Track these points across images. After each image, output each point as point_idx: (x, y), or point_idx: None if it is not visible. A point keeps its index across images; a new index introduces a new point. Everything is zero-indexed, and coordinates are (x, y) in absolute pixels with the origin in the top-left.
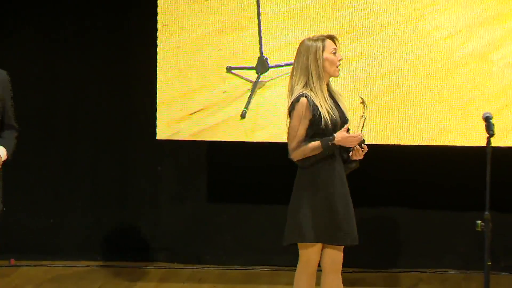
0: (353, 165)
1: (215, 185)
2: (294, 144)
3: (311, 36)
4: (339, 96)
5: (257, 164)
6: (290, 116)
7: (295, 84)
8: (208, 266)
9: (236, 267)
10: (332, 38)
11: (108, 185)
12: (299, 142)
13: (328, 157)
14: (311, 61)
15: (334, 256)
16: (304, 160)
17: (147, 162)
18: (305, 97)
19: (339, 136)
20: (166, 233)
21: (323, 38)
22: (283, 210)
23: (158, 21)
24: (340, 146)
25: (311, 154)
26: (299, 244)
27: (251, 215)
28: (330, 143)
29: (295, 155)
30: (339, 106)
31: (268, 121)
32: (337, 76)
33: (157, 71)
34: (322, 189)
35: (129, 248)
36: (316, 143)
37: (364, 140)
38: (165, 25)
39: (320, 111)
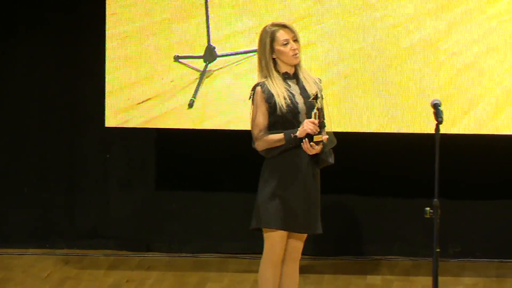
0: (315, 158)
1: (164, 173)
2: (255, 133)
3: (271, 23)
4: (311, 83)
5: (206, 152)
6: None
7: (258, 72)
8: (156, 253)
9: (184, 254)
10: (285, 27)
11: (57, 173)
12: (260, 131)
13: (293, 147)
14: (262, 51)
15: (294, 245)
16: (268, 150)
17: (96, 150)
18: (260, 86)
19: (300, 127)
20: (115, 221)
21: (276, 29)
22: (232, 198)
23: (106, 9)
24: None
25: (274, 146)
26: (264, 232)
27: (199, 203)
28: (292, 135)
29: (259, 145)
30: (307, 94)
31: (216, 111)
32: (296, 63)
33: (106, 59)
34: (284, 177)
35: (78, 236)
36: (279, 135)
37: (320, 136)
38: (113, 14)
39: (274, 99)
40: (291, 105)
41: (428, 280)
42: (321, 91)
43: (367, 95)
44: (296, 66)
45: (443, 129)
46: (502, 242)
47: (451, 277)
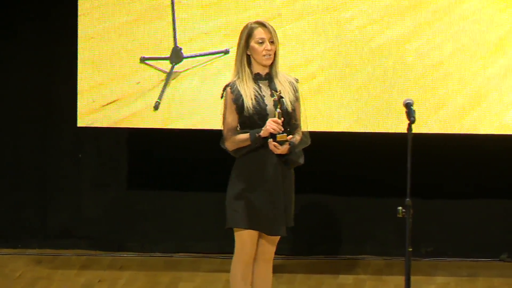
0: (284, 158)
1: (136, 173)
2: (224, 132)
3: (253, 20)
4: (284, 85)
5: (178, 152)
6: None
7: (233, 71)
8: (129, 253)
9: (157, 254)
10: (264, 26)
11: (29, 172)
12: (229, 130)
13: (260, 147)
14: (238, 46)
15: (266, 246)
16: (236, 150)
17: (68, 150)
18: (230, 86)
19: (264, 127)
20: (87, 221)
21: (255, 26)
22: (204, 197)
23: (78, 10)
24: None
25: (241, 145)
26: (234, 231)
27: (171, 203)
28: (257, 135)
29: (228, 145)
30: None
31: (182, 112)
32: (266, 65)
33: (78, 60)
34: (252, 178)
35: (50, 236)
36: (245, 135)
37: (284, 135)
38: (82, 15)
39: (242, 99)
40: (258, 107)
41: (400, 280)
42: (297, 92)
43: (333, 96)
44: (271, 68)
45: (414, 129)
46: (473, 242)
47: (424, 276)
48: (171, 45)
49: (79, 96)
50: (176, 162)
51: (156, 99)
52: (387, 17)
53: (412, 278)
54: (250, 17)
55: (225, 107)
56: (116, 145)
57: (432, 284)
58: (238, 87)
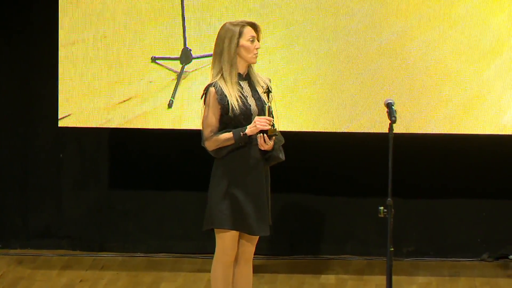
0: (267, 155)
1: (117, 173)
2: (206, 133)
3: (233, 21)
4: (263, 84)
5: (159, 151)
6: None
7: (212, 71)
8: (110, 253)
9: (138, 254)
10: (252, 25)
11: (9, 172)
12: (211, 131)
13: (242, 146)
14: (226, 46)
15: (246, 246)
16: (217, 150)
17: (49, 149)
18: (213, 86)
19: (250, 125)
20: (68, 221)
21: (243, 24)
22: (186, 197)
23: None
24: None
25: (224, 145)
26: (216, 232)
27: (153, 203)
28: (242, 133)
29: (209, 145)
30: (259, 95)
31: (192, 112)
32: (254, 63)
33: (59, 60)
34: (236, 177)
35: (31, 236)
36: (228, 134)
37: (275, 129)
38: (89, 15)
39: (228, 99)
40: (243, 107)
41: (382, 279)
42: (271, 92)
43: (333, 99)
44: (249, 67)
45: (401, 129)
46: (455, 242)
47: (405, 276)
48: (182, 45)
49: (60, 95)
50: (157, 161)
51: (168, 97)
52: (383, 21)
53: (394, 278)
54: (254, 18)
55: (208, 107)
56: (97, 145)
57: (414, 284)
58: (222, 88)
